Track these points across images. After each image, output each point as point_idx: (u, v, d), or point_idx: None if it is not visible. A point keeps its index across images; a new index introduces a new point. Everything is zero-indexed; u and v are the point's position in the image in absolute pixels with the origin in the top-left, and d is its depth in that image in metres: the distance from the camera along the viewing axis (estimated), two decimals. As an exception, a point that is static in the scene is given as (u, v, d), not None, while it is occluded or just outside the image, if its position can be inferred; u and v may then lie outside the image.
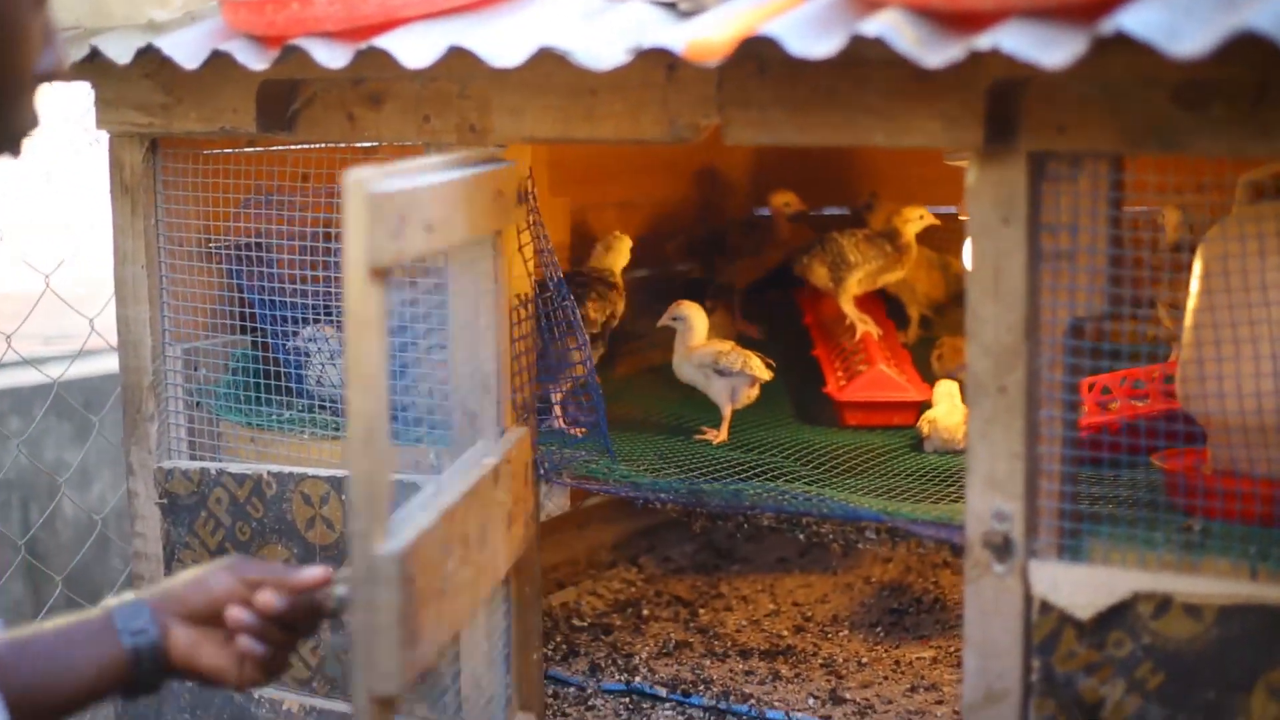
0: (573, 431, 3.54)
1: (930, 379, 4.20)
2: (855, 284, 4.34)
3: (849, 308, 4.35)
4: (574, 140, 2.96)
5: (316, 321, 3.52)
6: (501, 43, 2.69)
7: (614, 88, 2.87)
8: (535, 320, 3.24)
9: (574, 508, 4.62)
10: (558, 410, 3.57)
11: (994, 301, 2.62)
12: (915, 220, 4.36)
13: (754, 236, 4.87)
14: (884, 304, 4.84)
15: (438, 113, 3.13)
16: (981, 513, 2.67)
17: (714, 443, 3.72)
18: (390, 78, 3.14)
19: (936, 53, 2.31)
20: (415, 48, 2.77)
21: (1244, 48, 2.14)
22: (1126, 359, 2.75)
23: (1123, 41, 2.18)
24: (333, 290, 3.43)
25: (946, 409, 3.78)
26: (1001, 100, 2.55)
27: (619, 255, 4.12)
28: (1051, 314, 2.62)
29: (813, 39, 2.41)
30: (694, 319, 3.81)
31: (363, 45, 2.82)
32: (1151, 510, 2.80)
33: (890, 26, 2.31)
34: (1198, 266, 2.95)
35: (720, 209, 5.30)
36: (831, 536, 3.89)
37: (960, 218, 4.21)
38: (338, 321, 3.45)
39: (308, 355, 3.55)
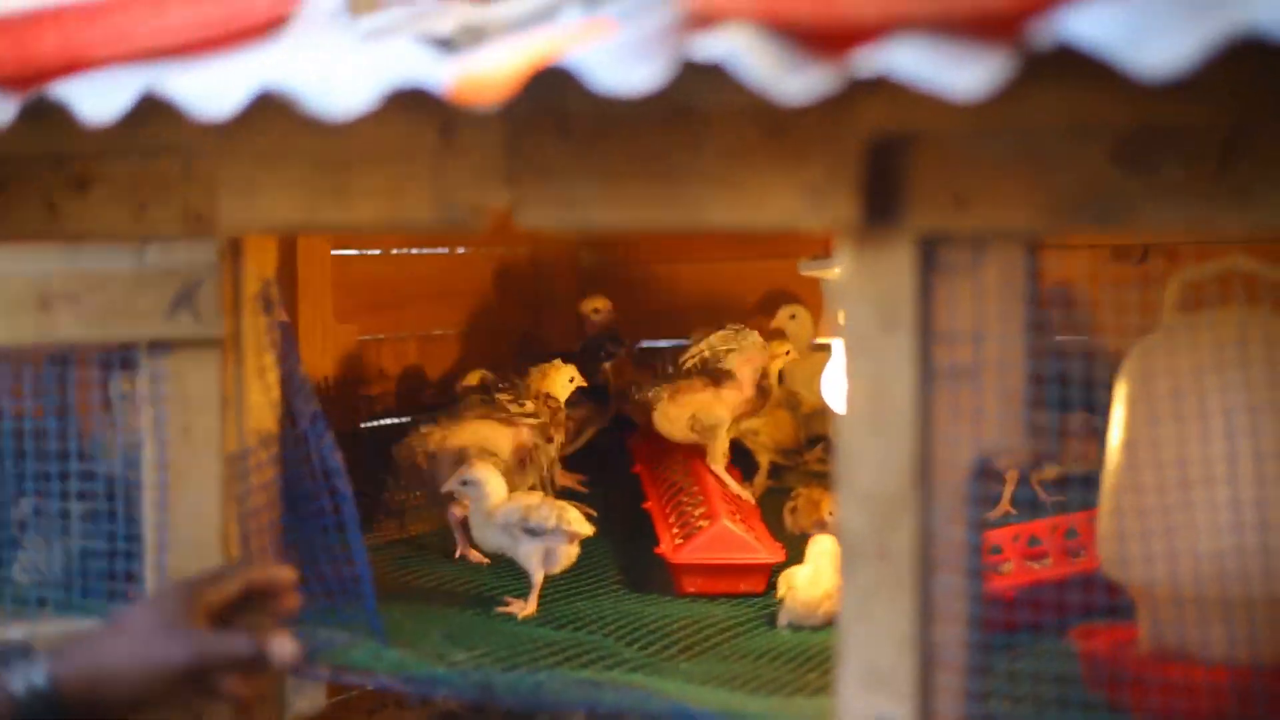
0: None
1: (782, 537, 3.54)
2: (725, 437, 3.72)
3: (721, 468, 3.75)
4: (323, 227, 2.28)
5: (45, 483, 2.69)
6: (211, 86, 2.00)
7: (372, 156, 2.19)
8: (282, 464, 2.52)
9: (360, 690, 3.89)
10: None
11: (873, 435, 1.96)
12: (781, 357, 3.75)
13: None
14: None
15: (157, 199, 2.43)
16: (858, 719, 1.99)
17: (519, 617, 3.01)
18: (99, 154, 2.44)
19: (796, 79, 1.66)
20: (99, 95, 2.07)
21: (1210, 80, 1.53)
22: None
23: (1055, 68, 1.56)
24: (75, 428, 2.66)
25: (811, 573, 3.08)
26: (883, 162, 1.91)
27: (558, 383, 3.77)
28: (950, 451, 1.96)
29: (626, 68, 1.74)
30: (488, 481, 3.12)
31: (32, 94, 2.11)
32: (1081, 711, 2.14)
33: (735, 48, 1.66)
34: (1121, 390, 2.31)
35: (541, 338, 4.64)
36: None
37: (817, 340, 3.59)
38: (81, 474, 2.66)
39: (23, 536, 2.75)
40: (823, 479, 4.10)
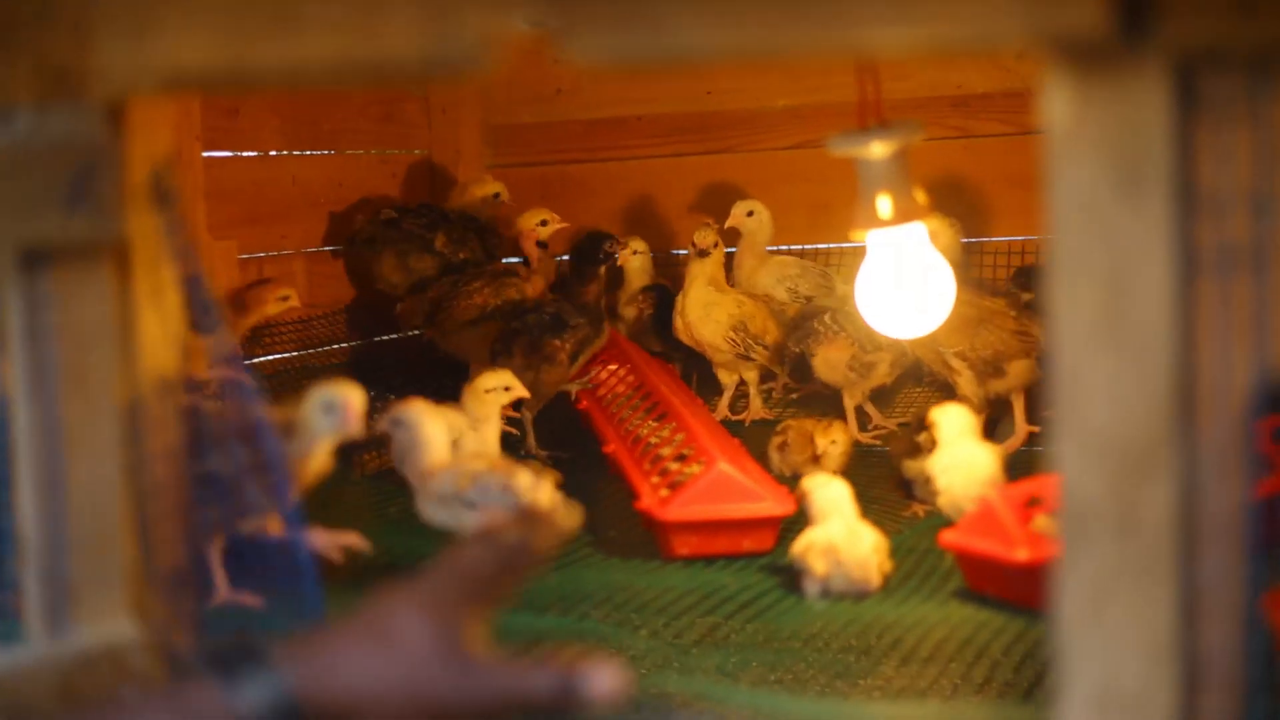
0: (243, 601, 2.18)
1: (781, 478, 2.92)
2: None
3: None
4: (255, 73, 1.57)
5: None
6: None
7: (332, -35, 1.50)
8: (195, 420, 1.84)
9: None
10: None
11: (1108, 355, 1.33)
12: None
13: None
14: (676, 365, 3.60)
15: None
16: (1093, 765, 1.37)
17: (487, 600, 2.36)
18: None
19: None
20: None
21: None
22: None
23: None
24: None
25: (844, 529, 2.43)
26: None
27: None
28: (1222, 374, 1.34)
29: None
30: (424, 426, 2.46)
31: None
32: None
33: None
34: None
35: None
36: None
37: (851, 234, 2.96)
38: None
39: None
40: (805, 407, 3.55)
